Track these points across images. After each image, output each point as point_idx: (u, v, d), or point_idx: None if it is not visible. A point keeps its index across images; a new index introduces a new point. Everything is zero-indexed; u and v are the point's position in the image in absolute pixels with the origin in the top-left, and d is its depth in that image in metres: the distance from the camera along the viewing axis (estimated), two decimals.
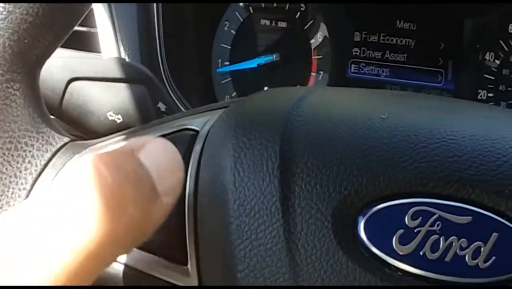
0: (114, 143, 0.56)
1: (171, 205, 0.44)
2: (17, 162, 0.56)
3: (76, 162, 0.56)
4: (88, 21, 1.00)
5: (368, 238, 0.47)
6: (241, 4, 1.26)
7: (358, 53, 1.26)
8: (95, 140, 0.58)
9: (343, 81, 1.26)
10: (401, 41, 1.25)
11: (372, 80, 1.26)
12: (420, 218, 0.46)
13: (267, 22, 1.27)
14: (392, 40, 1.25)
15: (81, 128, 0.80)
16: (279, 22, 1.27)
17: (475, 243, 0.45)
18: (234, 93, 1.28)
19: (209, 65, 1.26)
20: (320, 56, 1.26)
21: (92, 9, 0.99)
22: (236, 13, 1.26)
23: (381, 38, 1.26)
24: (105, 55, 0.95)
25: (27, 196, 0.56)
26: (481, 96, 1.22)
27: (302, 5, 1.25)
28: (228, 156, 0.48)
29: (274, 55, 1.25)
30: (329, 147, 0.47)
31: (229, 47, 1.27)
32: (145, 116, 0.79)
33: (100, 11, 1.00)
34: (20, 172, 0.56)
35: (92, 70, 0.82)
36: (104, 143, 0.57)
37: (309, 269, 0.46)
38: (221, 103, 0.57)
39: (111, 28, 0.99)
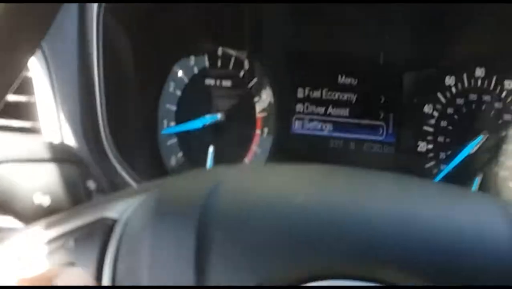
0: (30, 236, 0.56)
1: None
2: None
3: None
4: (27, 89, 0.99)
5: None
6: (188, 60, 1.28)
7: (301, 110, 1.29)
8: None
9: (288, 137, 1.28)
10: (343, 96, 1.28)
11: (316, 136, 1.28)
12: None
13: (212, 82, 1.29)
14: (334, 96, 1.28)
15: (8, 213, 0.80)
16: (223, 81, 1.29)
17: None
18: (180, 154, 1.29)
19: (155, 127, 1.27)
20: (264, 114, 1.28)
21: (31, 78, 0.99)
22: (181, 73, 1.28)
23: (324, 93, 1.28)
24: (42, 127, 0.94)
25: None
26: (421, 148, 1.25)
27: (246, 64, 1.28)
28: (145, 247, 0.49)
29: (219, 115, 1.26)
30: (244, 235, 0.49)
31: (175, 108, 1.29)
32: (74, 196, 0.79)
33: (39, 79, 0.99)
34: None
35: (18, 151, 0.82)
36: (17, 238, 0.56)
37: None
38: (143, 187, 0.58)
39: (51, 96, 0.98)
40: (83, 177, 0.80)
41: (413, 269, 0.47)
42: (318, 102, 1.28)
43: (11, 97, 0.94)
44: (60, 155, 0.81)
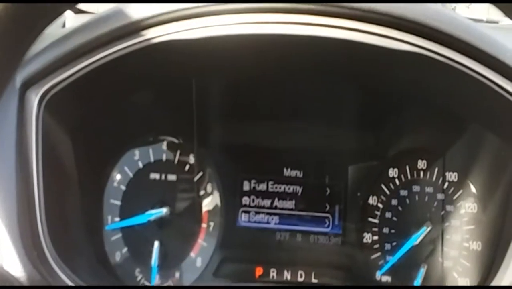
0: None
1: None
2: None
3: None
4: None
5: None
6: (133, 154, 1.28)
7: (247, 203, 1.28)
8: None
9: (234, 231, 1.27)
10: (289, 189, 1.29)
11: (262, 229, 1.28)
12: None
13: (157, 176, 1.28)
14: (280, 188, 1.29)
15: None
16: (168, 176, 1.28)
17: None
18: (125, 249, 1.27)
19: (99, 223, 1.25)
20: (210, 208, 1.28)
21: None
22: (126, 168, 1.28)
23: (270, 186, 1.29)
24: None
25: None
26: (366, 239, 1.26)
27: (191, 157, 1.28)
28: None
29: (164, 209, 1.25)
30: None
31: (119, 203, 1.27)
32: None
33: None
34: None
35: None
36: None
37: None
38: None
39: None
40: None
41: None
42: (264, 194, 1.29)
43: None
44: None
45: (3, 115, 0.95)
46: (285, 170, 1.30)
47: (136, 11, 0.95)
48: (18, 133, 0.95)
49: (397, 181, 1.26)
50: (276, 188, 1.29)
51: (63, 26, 1.28)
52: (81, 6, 1.41)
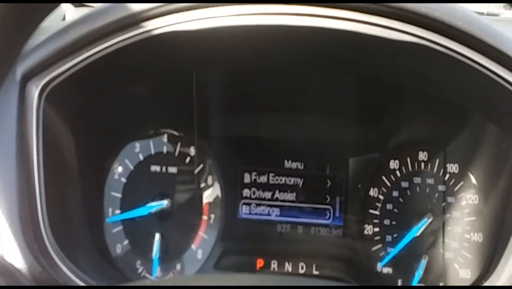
0: None
1: None
2: None
3: None
4: None
5: None
6: (134, 146, 1.28)
7: (248, 195, 1.28)
8: None
9: (235, 223, 1.27)
10: (290, 181, 1.29)
11: (263, 221, 1.27)
12: None
13: (157, 169, 1.28)
14: (281, 180, 1.29)
15: None
16: (169, 168, 1.28)
17: None
18: (126, 242, 1.27)
19: (100, 215, 1.25)
20: (210, 200, 1.27)
21: None
22: (126, 161, 1.27)
23: (271, 178, 1.29)
24: None
25: None
26: (367, 231, 1.25)
27: (192, 150, 1.28)
28: None
29: (165, 202, 1.25)
30: None
31: (120, 195, 1.27)
32: None
33: None
34: None
35: None
36: None
37: None
38: None
39: None
40: None
41: None
42: (265, 186, 1.29)
43: None
44: None
45: (3, 108, 0.95)
46: (286, 161, 1.29)
47: (136, 3, 0.95)
48: (19, 125, 0.95)
49: (398, 173, 1.26)
50: (277, 180, 1.29)
51: (63, 19, 1.27)
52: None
